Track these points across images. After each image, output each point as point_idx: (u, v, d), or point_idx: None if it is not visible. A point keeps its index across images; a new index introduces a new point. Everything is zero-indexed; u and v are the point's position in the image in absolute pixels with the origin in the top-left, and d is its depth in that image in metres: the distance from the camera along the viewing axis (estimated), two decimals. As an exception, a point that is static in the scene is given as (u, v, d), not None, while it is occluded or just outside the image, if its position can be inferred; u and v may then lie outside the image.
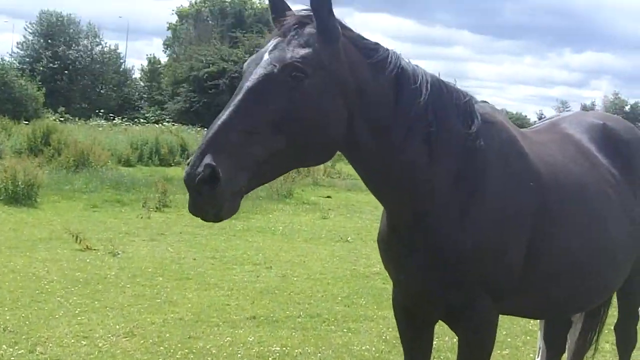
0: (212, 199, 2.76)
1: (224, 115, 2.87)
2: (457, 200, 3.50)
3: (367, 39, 3.37)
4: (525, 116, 71.69)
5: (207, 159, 2.74)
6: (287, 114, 2.92)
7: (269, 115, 2.89)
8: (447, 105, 3.52)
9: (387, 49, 3.39)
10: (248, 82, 2.96)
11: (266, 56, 3.04)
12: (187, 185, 2.79)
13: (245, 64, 3.20)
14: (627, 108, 64.16)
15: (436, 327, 4.04)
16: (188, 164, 2.81)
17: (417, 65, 3.51)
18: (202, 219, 2.89)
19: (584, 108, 57.43)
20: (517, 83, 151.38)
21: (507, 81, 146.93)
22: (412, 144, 3.37)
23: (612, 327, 5.30)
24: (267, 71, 2.96)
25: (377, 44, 3.38)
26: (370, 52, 3.30)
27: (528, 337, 7.33)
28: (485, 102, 3.93)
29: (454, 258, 3.50)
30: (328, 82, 3.03)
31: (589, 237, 4.01)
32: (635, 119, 63.68)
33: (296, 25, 3.11)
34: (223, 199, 2.78)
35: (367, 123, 3.23)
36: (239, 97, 2.92)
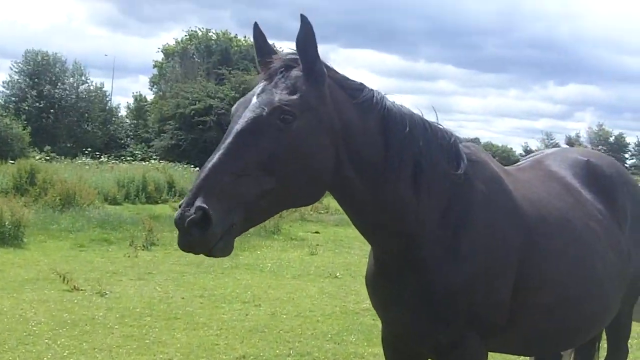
0: (203, 240, 2.82)
1: (214, 158, 2.93)
2: (445, 236, 3.56)
3: (352, 80, 3.45)
4: (511, 149, 72.31)
5: (199, 202, 2.79)
6: (277, 155, 2.99)
7: (259, 157, 2.95)
8: (432, 143, 3.59)
9: (372, 90, 3.47)
10: (237, 125, 3.02)
11: (254, 99, 3.11)
12: (178, 227, 2.85)
13: (234, 107, 3.26)
14: (611, 139, 64.71)
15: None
16: (180, 206, 2.86)
17: (402, 105, 3.61)
18: (193, 254, 2.94)
19: (569, 139, 57.97)
20: (502, 116, 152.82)
21: (492, 114, 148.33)
22: (400, 182, 3.44)
23: (602, 361, 5.33)
24: (255, 114, 3.03)
25: (362, 84, 3.46)
26: (355, 92, 3.38)
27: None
28: (470, 141, 4.00)
29: (443, 293, 3.53)
30: (315, 123, 3.10)
31: (577, 271, 4.05)
32: (620, 149, 64.30)
33: (282, 69, 3.18)
34: (214, 240, 2.84)
35: (353, 162, 3.29)
36: (229, 139, 2.98)
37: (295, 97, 3.06)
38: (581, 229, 4.17)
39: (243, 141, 2.96)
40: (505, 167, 4.33)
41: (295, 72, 3.16)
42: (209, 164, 2.91)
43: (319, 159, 3.13)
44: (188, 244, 2.85)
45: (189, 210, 2.80)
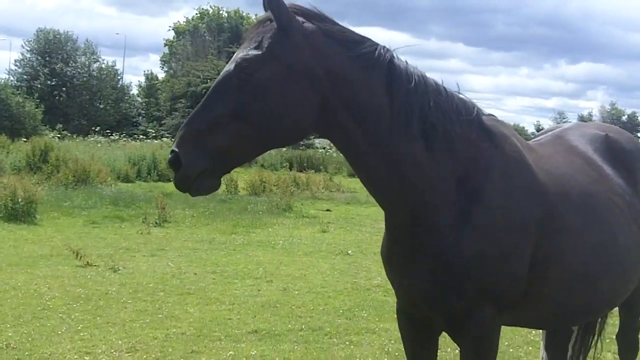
0: (179, 179, 3.26)
1: (192, 113, 3.33)
2: (460, 205, 3.56)
3: (351, 32, 3.50)
4: (523, 127, 71.75)
5: (174, 146, 3.23)
6: (244, 104, 3.26)
7: (228, 108, 3.26)
8: (445, 105, 3.60)
9: (376, 44, 3.51)
10: (213, 83, 3.37)
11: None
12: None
13: None
14: (624, 118, 64.31)
15: (440, 339, 4.07)
16: None
17: (413, 66, 3.61)
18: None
19: (581, 118, 57.59)
20: (514, 94, 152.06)
21: (503, 92, 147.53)
22: (409, 139, 3.46)
23: (614, 336, 5.32)
24: (225, 71, 3.35)
25: (363, 38, 3.51)
26: (352, 44, 3.44)
27: (530, 348, 7.33)
28: (492, 115, 3.98)
29: (454, 263, 3.53)
30: (282, 72, 3.29)
31: (598, 246, 4.03)
32: (633, 128, 63.90)
33: (256, 26, 3.43)
34: (188, 180, 3.24)
35: (351, 111, 3.38)
36: (206, 96, 3.33)
37: (256, 51, 3.29)
38: (603, 204, 4.15)
39: (214, 95, 3.30)
40: (527, 142, 4.30)
41: (265, 28, 3.36)
42: (189, 117, 3.31)
43: (292, 103, 3.30)
44: (174, 182, 3.32)
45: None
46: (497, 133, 3.78)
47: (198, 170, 3.23)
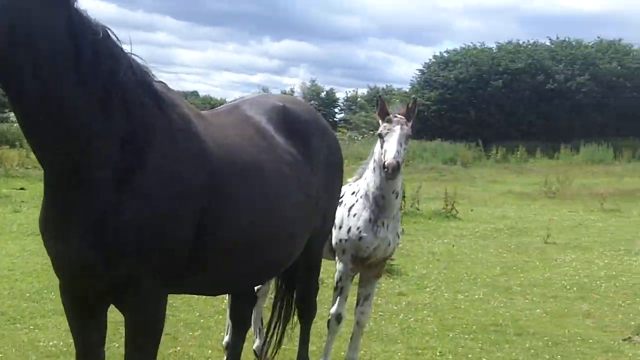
0: None
1: None
2: (123, 165, 3.47)
3: None
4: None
5: None
6: None
7: None
8: (125, 66, 3.52)
9: None
10: None
11: None
12: None
13: None
14: (323, 94, 68.02)
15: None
16: None
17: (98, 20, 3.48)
18: None
19: (284, 94, 59.96)
20: (222, 70, 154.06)
21: (212, 67, 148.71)
22: (82, 92, 3.31)
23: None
24: None
25: None
26: None
27: (220, 317, 7.46)
28: (161, 82, 3.94)
29: (113, 226, 3.42)
30: None
31: (264, 212, 4.17)
32: (330, 104, 67.99)
33: None
34: None
35: (32, 61, 3.13)
36: None
37: None
38: (271, 173, 4.29)
39: None
40: (201, 112, 4.31)
41: None
42: None
43: None
44: None
45: None
46: (166, 99, 3.77)
47: None
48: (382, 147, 5.51)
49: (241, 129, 4.38)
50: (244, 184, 4.05)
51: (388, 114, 5.59)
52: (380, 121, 5.64)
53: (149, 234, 3.50)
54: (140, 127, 3.54)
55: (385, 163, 5.35)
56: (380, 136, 5.56)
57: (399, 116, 5.57)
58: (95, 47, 3.35)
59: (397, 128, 5.48)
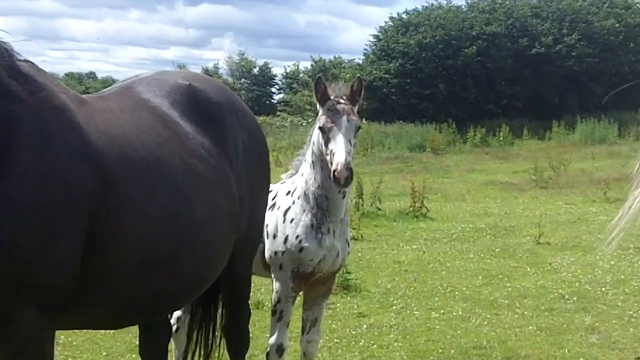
0: None
1: None
2: None
3: None
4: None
5: None
6: None
7: None
8: None
9: None
10: None
11: None
12: None
13: None
14: (255, 70, 67.77)
15: None
16: None
17: None
18: None
19: (206, 72, 59.74)
20: (125, 44, 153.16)
21: (112, 42, 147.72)
22: None
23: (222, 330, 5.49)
24: None
25: None
26: None
27: (134, 355, 7.33)
28: (28, 61, 3.87)
29: None
30: None
31: (171, 220, 4.08)
32: (266, 82, 67.94)
33: None
34: None
35: None
36: None
37: None
38: (177, 169, 4.21)
39: None
40: (82, 95, 4.23)
41: None
42: None
43: None
44: None
45: None
46: (34, 82, 3.68)
47: None
48: (325, 144, 5.41)
49: (136, 115, 4.28)
50: (143, 185, 3.96)
51: (329, 99, 5.50)
52: (319, 107, 5.54)
53: (24, 257, 3.41)
54: (2, 126, 3.43)
55: (336, 173, 5.22)
56: (322, 130, 5.46)
57: (343, 101, 5.48)
58: None
59: (344, 120, 5.39)
